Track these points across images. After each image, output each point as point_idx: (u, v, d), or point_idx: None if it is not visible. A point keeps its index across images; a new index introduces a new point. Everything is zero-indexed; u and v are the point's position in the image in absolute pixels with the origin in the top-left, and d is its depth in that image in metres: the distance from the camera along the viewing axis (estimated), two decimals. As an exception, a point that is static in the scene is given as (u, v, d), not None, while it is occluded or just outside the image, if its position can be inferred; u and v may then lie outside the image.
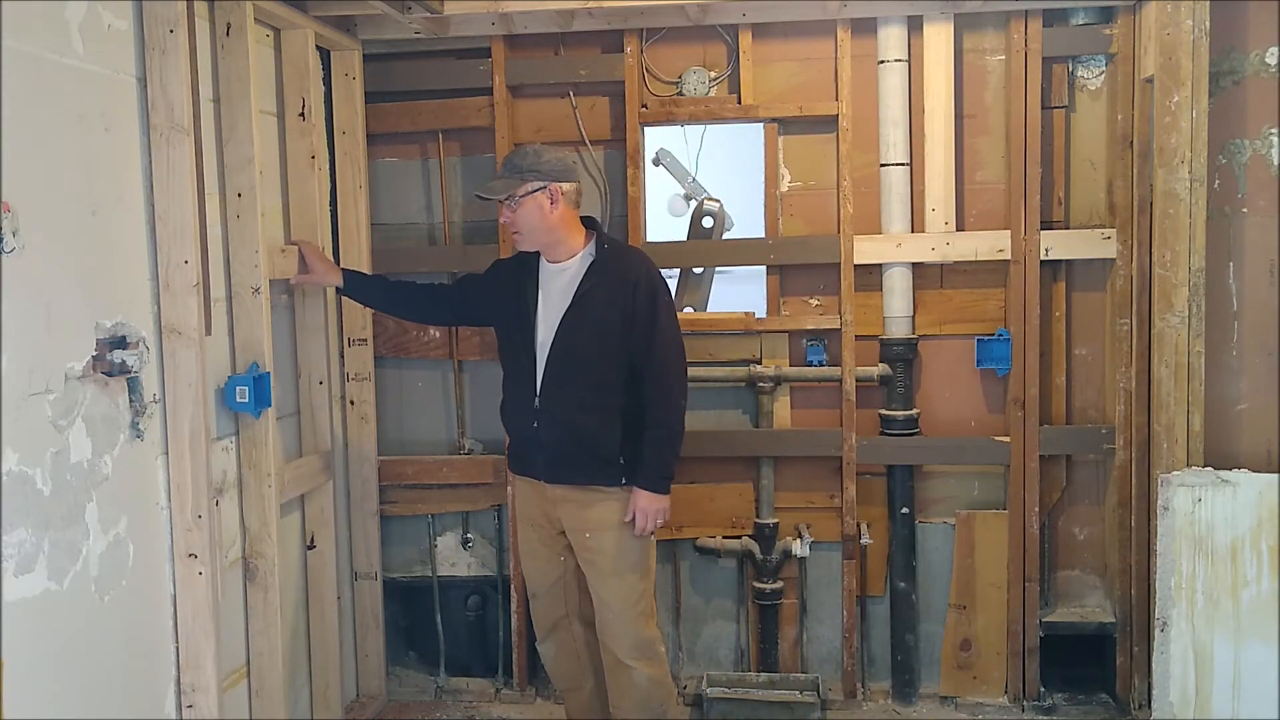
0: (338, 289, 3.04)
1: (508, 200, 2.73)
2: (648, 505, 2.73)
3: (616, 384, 2.74)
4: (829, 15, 3.25)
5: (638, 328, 2.72)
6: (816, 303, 3.44)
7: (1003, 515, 3.37)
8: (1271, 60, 2.91)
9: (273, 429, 2.71)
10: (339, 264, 3.32)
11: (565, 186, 2.73)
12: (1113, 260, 3.25)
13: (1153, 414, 3.06)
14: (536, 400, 2.76)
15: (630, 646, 2.80)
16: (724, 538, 3.48)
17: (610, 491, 2.76)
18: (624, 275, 2.74)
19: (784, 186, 3.44)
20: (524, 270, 2.84)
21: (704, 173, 4.32)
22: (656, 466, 2.74)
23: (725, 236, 3.86)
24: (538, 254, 2.83)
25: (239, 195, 2.64)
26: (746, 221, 4.07)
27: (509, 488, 3.44)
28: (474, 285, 3.00)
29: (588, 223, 2.83)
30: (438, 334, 3.54)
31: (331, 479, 3.16)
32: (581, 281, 2.74)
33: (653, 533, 2.78)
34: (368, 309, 3.36)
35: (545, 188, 2.70)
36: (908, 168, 3.32)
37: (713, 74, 3.41)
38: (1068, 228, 3.32)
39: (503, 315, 2.87)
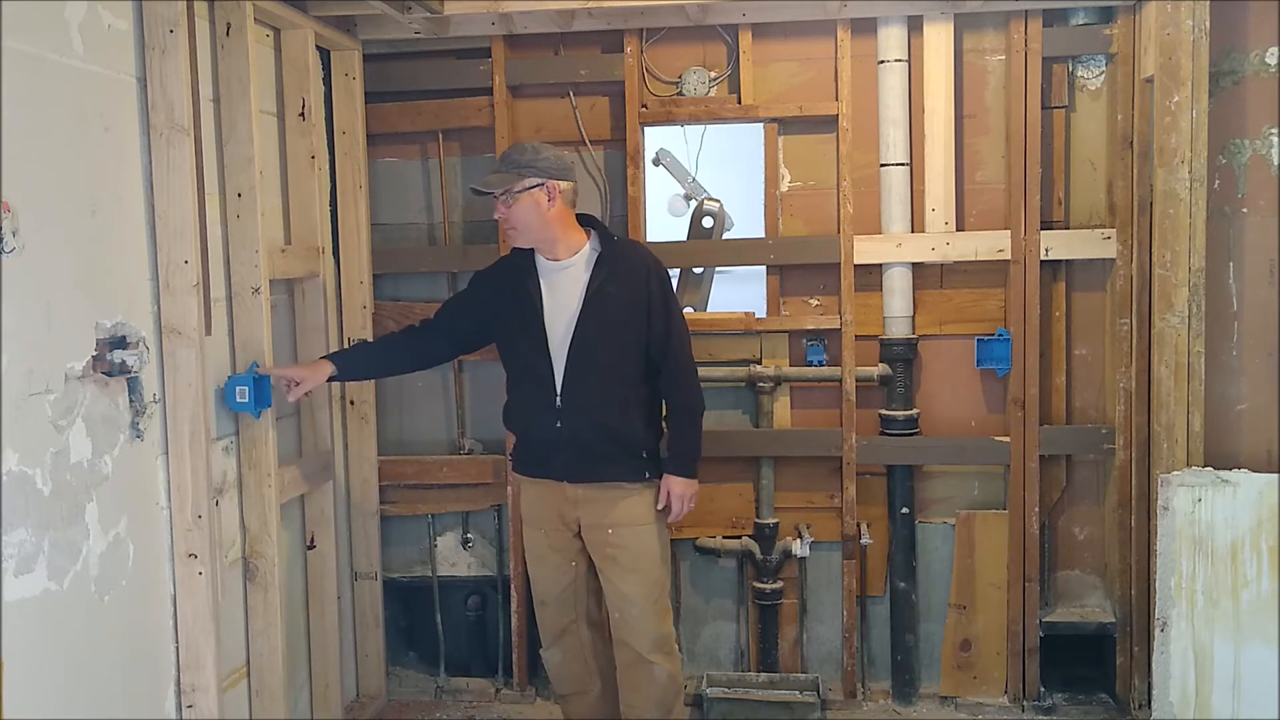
0: (331, 378, 2.83)
1: (504, 196, 2.70)
2: (684, 490, 2.76)
3: (637, 376, 2.75)
4: (829, 15, 3.25)
5: (654, 317, 2.73)
6: (816, 303, 3.44)
7: (1003, 515, 3.37)
8: (1271, 60, 2.91)
9: (272, 429, 2.71)
10: (338, 263, 3.33)
11: (563, 185, 2.71)
12: (1113, 260, 3.25)
13: (1153, 414, 3.06)
14: (558, 400, 2.73)
15: (652, 642, 2.80)
16: (724, 538, 3.49)
17: (633, 487, 2.76)
18: (635, 267, 2.74)
19: (784, 186, 3.44)
20: (518, 273, 2.80)
21: (704, 173, 4.32)
22: (686, 450, 2.78)
23: (725, 236, 3.86)
24: (531, 255, 2.80)
25: (239, 195, 2.64)
26: (746, 221, 4.07)
27: (509, 488, 3.44)
28: (465, 307, 2.92)
29: (586, 220, 2.82)
30: (438, 334, 3.54)
31: (331, 479, 3.16)
32: (592, 276, 2.73)
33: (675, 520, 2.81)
34: (367, 309, 3.37)
35: (543, 184, 2.68)
36: (908, 168, 3.32)
37: (713, 74, 3.41)
38: (1068, 228, 3.32)
39: (504, 323, 2.83)
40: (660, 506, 2.77)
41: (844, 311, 3.35)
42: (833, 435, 3.38)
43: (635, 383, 2.76)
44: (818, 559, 3.47)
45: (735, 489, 3.49)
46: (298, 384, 2.75)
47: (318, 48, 3.10)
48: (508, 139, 3.39)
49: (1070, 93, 3.30)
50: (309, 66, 2.99)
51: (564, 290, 2.75)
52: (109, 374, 2.15)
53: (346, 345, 3.36)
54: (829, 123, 3.36)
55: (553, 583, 2.89)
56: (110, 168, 2.19)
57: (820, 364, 3.42)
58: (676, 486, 2.76)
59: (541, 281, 2.78)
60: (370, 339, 3.38)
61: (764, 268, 3.46)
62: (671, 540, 3.46)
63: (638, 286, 2.72)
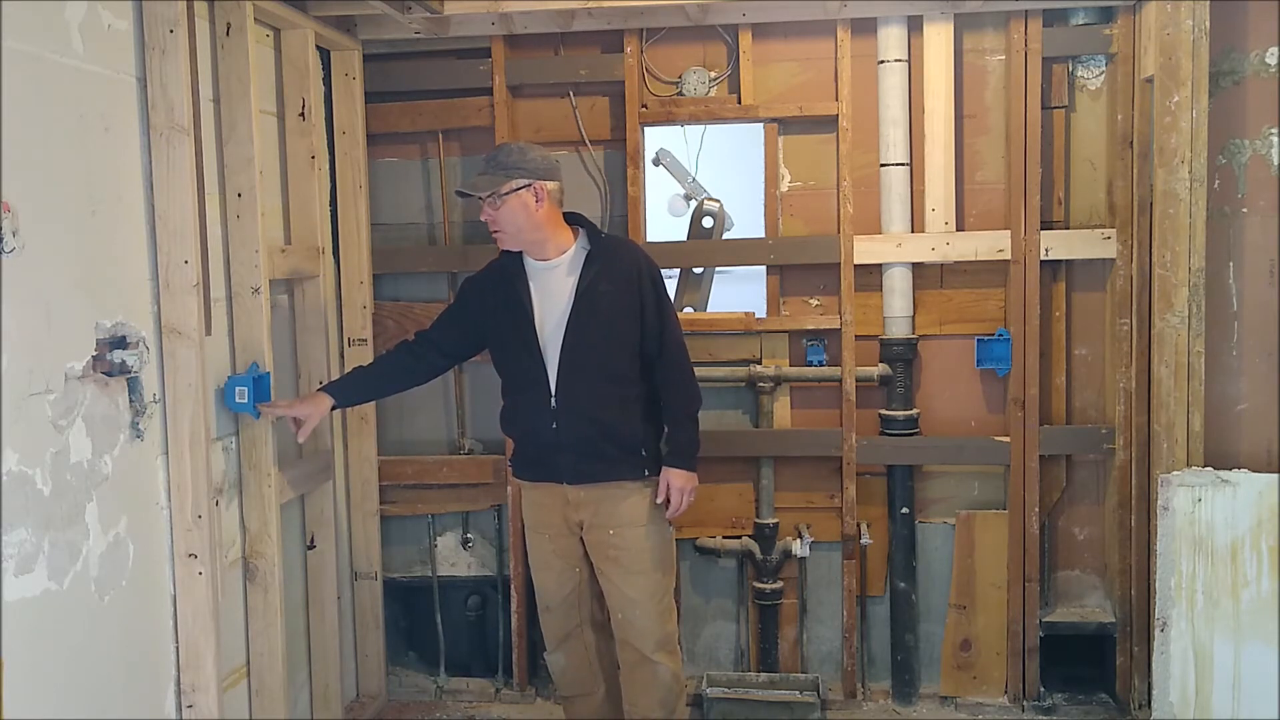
0: (333, 407, 2.83)
1: (490, 198, 2.67)
2: (683, 483, 2.74)
3: (631, 373, 2.74)
4: (829, 15, 3.25)
5: (647, 314, 2.72)
6: (816, 303, 3.44)
7: (1003, 515, 3.37)
8: (1271, 60, 2.91)
9: (272, 429, 2.71)
10: (338, 263, 3.33)
11: (549, 185, 2.68)
12: (1113, 260, 3.25)
13: (1153, 414, 3.06)
14: (553, 400, 2.72)
15: (655, 642, 2.79)
16: (724, 538, 3.48)
17: (634, 486, 2.75)
18: (625, 264, 2.73)
19: (784, 186, 3.44)
20: (507, 276, 2.77)
21: (704, 173, 4.32)
22: (685, 444, 2.76)
23: (725, 236, 3.86)
24: (519, 257, 2.77)
25: (239, 195, 2.64)
26: (746, 221, 4.07)
27: (509, 488, 3.44)
28: (456, 319, 2.89)
29: (574, 218, 2.80)
30: (438, 334, 3.54)
31: (331, 479, 3.16)
32: (582, 275, 2.71)
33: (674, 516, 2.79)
34: (367, 309, 3.37)
35: (530, 185, 2.65)
36: (908, 168, 3.32)
37: (713, 74, 3.41)
38: (1068, 228, 3.32)
39: (495, 327, 2.80)
40: (660, 500, 2.75)
41: (844, 311, 3.35)
42: (833, 435, 3.38)
43: (631, 380, 2.74)
44: (818, 559, 3.47)
45: (735, 489, 3.49)
46: (302, 422, 2.74)
47: (318, 48, 3.10)
48: (507, 139, 3.38)
49: (1070, 93, 3.30)
50: (309, 66, 2.99)
51: (553, 290, 2.73)
52: (109, 374, 2.15)
53: (347, 346, 3.37)
54: (829, 123, 3.36)
55: (557, 588, 2.88)
56: (110, 168, 2.19)
57: (820, 364, 3.42)
58: (676, 479, 2.74)
59: (530, 283, 2.75)
60: (370, 339, 3.39)
61: (764, 268, 3.46)
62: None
63: (629, 283, 2.71)
